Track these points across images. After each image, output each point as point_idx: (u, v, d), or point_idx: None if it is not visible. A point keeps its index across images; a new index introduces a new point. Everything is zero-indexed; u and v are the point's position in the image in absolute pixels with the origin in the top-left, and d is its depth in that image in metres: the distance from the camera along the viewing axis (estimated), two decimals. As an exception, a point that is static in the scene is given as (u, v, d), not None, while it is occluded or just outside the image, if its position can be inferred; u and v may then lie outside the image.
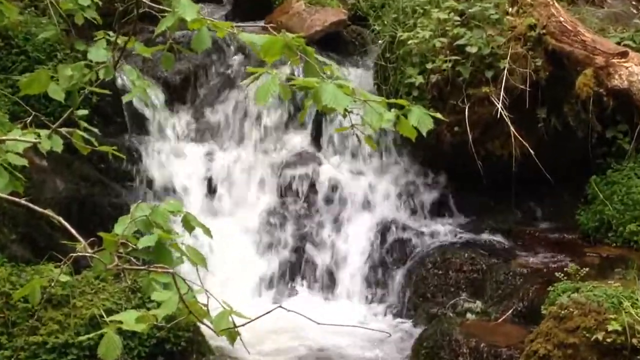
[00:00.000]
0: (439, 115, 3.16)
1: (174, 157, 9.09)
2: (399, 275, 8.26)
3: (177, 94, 9.50)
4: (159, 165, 8.96)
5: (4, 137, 3.85)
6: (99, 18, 4.90)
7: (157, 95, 9.29)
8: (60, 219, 3.45)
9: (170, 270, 3.02)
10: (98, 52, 3.95)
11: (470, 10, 8.67)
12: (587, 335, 5.70)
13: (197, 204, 8.77)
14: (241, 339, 2.97)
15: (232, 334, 2.98)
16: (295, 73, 7.49)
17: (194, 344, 6.89)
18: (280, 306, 3.22)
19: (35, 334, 6.31)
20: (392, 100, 3.13)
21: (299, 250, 8.60)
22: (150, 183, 8.85)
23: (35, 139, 3.87)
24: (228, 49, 9.93)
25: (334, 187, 8.97)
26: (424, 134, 3.10)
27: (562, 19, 8.27)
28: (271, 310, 3.16)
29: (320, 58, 3.21)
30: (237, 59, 9.91)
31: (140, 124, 9.21)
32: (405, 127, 3.11)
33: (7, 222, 7.33)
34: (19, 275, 6.66)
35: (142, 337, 6.53)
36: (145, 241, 3.14)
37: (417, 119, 3.09)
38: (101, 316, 6.30)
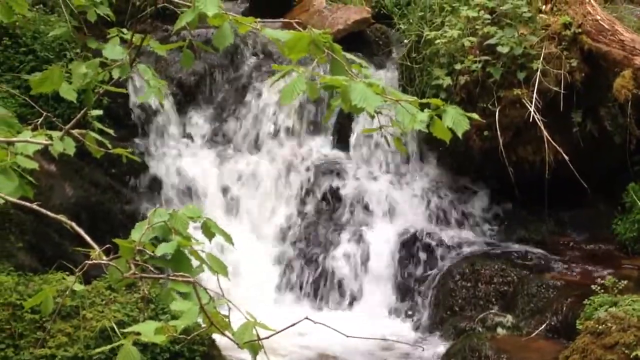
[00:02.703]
0: (475, 115, 3.14)
1: (189, 162, 9.11)
2: (425, 287, 8.25)
3: (192, 95, 9.53)
4: (173, 170, 8.99)
5: (14, 139, 3.85)
6: (113, 15, 4.91)
7: (171, 97, 9.32)
8: (74, 224, 3.44)
9: (191, 279, 3.01)
10: (114, 50, 3.95)
11: (501, 7, 8.65)
12: (627, 352, 5.67)
13: (217, 211, 8.79)
14: (265, 352, 2.96)
15: (255, 346, 2.97)
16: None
17: (211, 358, 6.89)
18: (307, 318, 3.20)
19: (44, 346, 6.32)
20: (426, 100, 3.12)
21: (319, 260, 8.60)
22: (163, 188, 8.88)
23: (47, 140, 3.88)
24: (245, 49, 9.95)
25: (356, 194, 8.97)
26: (460, 135, 3.08)
27: (598, 18, 8.25)
28: (297, 323, 3.15)
29: (349, 55, 3.21)
30: (254, 59, 9.92)
31: (153, 127, 9.23)
32: (439, 129, 3.10)
33: (14, 230, 7.36)
34: (27, 285, 6.67)
35: (155, 350, 6.53)
36: (164, 248, 3.13)
37: (452, 120, 3.07)
38: (112, 329, 6.31)
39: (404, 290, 8.35)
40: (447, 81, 8.56)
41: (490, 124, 8.32)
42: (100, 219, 7.97)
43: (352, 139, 9.38)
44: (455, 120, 3.08)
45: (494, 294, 7.80)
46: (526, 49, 8.35)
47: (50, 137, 3.90)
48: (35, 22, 8.49)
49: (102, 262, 3.19)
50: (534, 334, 7.20)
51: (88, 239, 3.34)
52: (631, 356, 5.63)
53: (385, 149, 9.17)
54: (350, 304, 8.44)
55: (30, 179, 3.92)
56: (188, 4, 3.37)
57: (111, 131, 4.45)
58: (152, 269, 3.19)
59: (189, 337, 3.17)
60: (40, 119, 4.36)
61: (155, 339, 2.87)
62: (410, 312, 8.24)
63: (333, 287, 8.49)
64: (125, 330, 2.93)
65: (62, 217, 3.53)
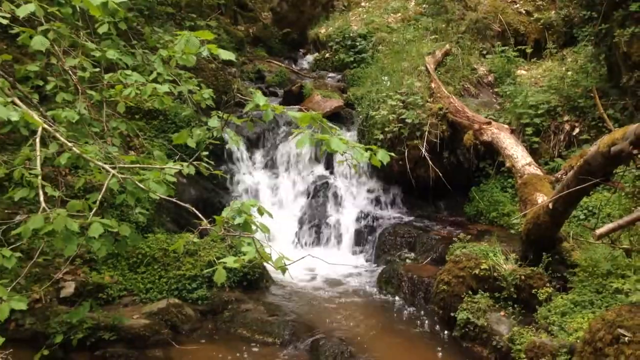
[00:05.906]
0: (392, 154, 3.16)
1: (253, 177, 9.09)
2: (370, 239, 8.21)
3: (254, 144, 9.50)
4: (245, 181, 8.96)
5: (164, 166, 3.87)
6: (214, 104, 4.93)
7: (243, 145, 9.32)
8: (194, 209, 3.46)
9: (252, 235, 3.02)
10: (214, 122, 3.97)
11: (408, 100, 8.67)
12: (470, 271, 5.67)
13: (265, 202, 8.76)
14: (289, 272, 2.97)
15: (283, 268, 2.99)
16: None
17: (262, 275, 6.88)
18: (310, 255, 3.21)
19: (179, 269, 6.32)
20: (368, 147, 3.14)
21: (319, 225, 8.55)
22: (240, 191, 8.86)
23: (180, 167, 3.90)
24: (280, 121, 9.95)
25: (337, 193, 8.94)
26: (385, 163, 3.10)
27: (456, 105, 8.27)
28: (304, 257, 3.16)
29: (330, 124, 3.23)
30: (284, 127, 9.92)
31: (234, 160, 9.22)
32: (375, 160, 3.12)
33: (164, 212, 7.35)
34: (171, 239, 6.67)
35: (235, 271, 6.53)
36: (238, 220, 3.15)
37: (381, 156, 3.10)
38: (214, 261, 6.31)
39: (360, 241, 8.31)
40: (381, 137, 8.56)
41: (402, 158, 8.33)
42: (208, 207, 7.91)
43: (334, 166, 9.36)
44: (383, 156, 3.10)
45: (405, 242, 7.78)
46: (420, 121, 8.37)
47: (182, 165, 3.93)
48: (175, 107, 8.48)
49: (208, 227, 3.21)
50: (424, 262, 7.19)
51: (201, 216, 3.35)
52: (472, 273, 5.64)
53: (350, 171, 9.17)
54: (332, 247, 8.39)
55: (172, 186, 3.93)
56: (249, 99, 3.40)
57: (213, 162, 4.46)
58: (232, 230, 3.21)
59: (250, 264, 3.17)
60: (177, 157, 4.37)
61: (234, 265, 2.89)
62: (362, 252, 8.20)
63: (324, 239, 8.46)
64: (219, 261, 2.94)
65: (188, 205, 3.54)
